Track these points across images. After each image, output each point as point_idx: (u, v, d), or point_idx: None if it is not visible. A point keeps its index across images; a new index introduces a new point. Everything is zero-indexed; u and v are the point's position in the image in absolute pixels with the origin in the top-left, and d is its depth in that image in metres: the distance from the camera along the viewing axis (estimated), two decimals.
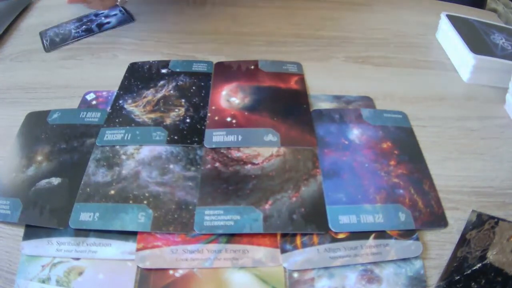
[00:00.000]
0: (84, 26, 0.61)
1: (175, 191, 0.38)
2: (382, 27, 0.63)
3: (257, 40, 0.59)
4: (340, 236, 0.36)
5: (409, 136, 0.44)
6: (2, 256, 0.35)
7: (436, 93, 0.51)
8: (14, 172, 0.40)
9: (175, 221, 0.36)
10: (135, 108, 0.46)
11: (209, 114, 0.46)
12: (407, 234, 0.36)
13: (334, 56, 0.57)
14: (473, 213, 0.38)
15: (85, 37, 0.59)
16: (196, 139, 0.43)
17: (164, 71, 0.52)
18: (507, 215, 0.37)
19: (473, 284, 0.33)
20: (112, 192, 0.38)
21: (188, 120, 0.45)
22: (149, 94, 0.48)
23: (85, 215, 0.36)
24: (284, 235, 0.36)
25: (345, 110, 0.47)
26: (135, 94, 0.48)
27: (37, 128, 0.44)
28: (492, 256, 0.34)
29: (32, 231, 0.36)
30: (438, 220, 0.37)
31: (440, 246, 0.36)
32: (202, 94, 0.49)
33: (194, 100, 0.48)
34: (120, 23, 0.62)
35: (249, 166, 0.41)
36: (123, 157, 0.41)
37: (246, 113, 0.46)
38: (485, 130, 0.46)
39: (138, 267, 0.34)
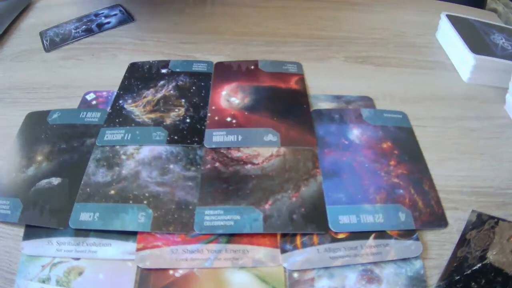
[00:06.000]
0: (84, 26, 0.61)
1: (175, 191, 0.38)
2: (382, 27, 0.63)
3: (257, 40, 0.59)
4: (340, 236, 0.36)
5: (409, 136, 0.44)
6: (2, 256, 0.35)
7: (436, 93, 0.51)
8: (14, 172, 0.40)
9: (175, 221, 0.36)
10: (135, 108, 0.46)
11: (209, 114, 0.46)
12: (407, 234, 0.36)
13: (334, 56, 0.57)
14: (473, 213, 0.38)
15: (85, 37, 0.59)
16: (196, 139, 0.43)
17: (164, 71, 0.52)
18: (507, 215, 0.37)
19: (473, 284, 0.33)
20: (112, 192, 0.38)
21: (188, 120, 0.45)
22: (149, 94, 0.48)
23: (85, 215, 0.36)
24: (284, 235, 0.36)
25: (345, 110, 0.47)
26: (135, 94, 0.48)
27: (37, 128, 0.44)
28: (492, 256, 0.34)
29: (32, 231, 0.36)
30: (438, 220, 0.37)
31: (440, 246, 0.36)
32: (202, 94, 0.49)
33: (194, 100, 0.48)
34: (120, 23, 0.62)
35: (249, 166, 0.41)
36: (123, 157, 0.41)
37: (246, 113, 0.46)
38: (485, 130, 0.46)
39: (138, 267, 0.34)
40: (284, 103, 0.47)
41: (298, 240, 0.35)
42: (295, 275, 0.34)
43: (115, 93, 0.49)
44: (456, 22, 0.57)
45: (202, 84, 0.50)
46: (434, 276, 0.34)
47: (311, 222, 0.36)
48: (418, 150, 0.43)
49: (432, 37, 0.61)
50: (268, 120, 0.45)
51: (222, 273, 0.34)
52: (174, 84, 0.50)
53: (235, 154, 0.42)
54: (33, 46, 0.57)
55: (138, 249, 0.35)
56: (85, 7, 0.65)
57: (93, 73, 0.53)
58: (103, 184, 0.39)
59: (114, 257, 0.34)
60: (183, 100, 0.48)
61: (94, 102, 0.48)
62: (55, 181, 0.39)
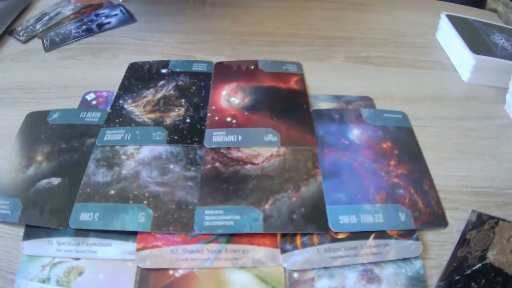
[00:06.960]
0: (84, 26, 0.61)
1: (175, 191, 0.38)
2: (382, 27, 0.63)
3: (257, 40, 0.59)
4: (340, 236, 0.36)
5: (409, 136, 0.44)
6: (2, 256, 0.35)
7: (436, 93, 0.51)
8: (14, 172, 0.40)
9: (175, 221, 0.36)
10: (135, 108, 0.46)
11: (209, 114, 0.46)
12: (407, 234, 0.36)
13: (334, 56, 0.57)
14: (473, 213, 0.38)
15: (85, 37, 0.59)
16: (196, 139, 0.43)
17: (164, 71, 0.52)
18: (507, 215, 0.37)
19: (473, 284, 0.33)
20: (112, 192, 0.38)
21: (188, 120, 0.45)
22: (149, 94, 0.48)
23: (85, 215, 0.36)
24: (284, 235, 0.36)
25: (345, 110, 0.47)
26: (135, 94, 0.48)
27: (37, 128, 0.44)
28: (492, 256, 0.34)
29: (32, 231, 0.36)
30: (438, 220, 0.37)
31: (440, 246, 0.36)
32: (202, 94, 0.49)
33: (194, 100, 0.48)
34: (120, 23, 0.62)
35: (249, 166, 0.41)
36: (123, 157, 0.41)
37: (246, 113, 0.46)
38: (485, 130, 0.46)
39: (138, 267, 0.34)
40: (284, 103, 0.47)
41: (298, 240, 0.35)
42: (295, 275, 0.34)
43: (115, 93, 0.49)
44: (456, 22, 0.57)
45: (202, 84, 0.50)
46: (434, 276, 0.34)
47: (311, 222, 0.36)
48: (418, 150, 0.43)
49: (432, 37, 0.61)
50: (268, 120, 0.45)
51: (222, 273, 0.34)
52: (174, 84, 0.50)
53: (235, 154, 0.42)
54: (33, 46, 0.57)
55: (138, 249, 0.35)
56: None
57: (93, 73, 0.53)
58: (103, 184, 0.39)
59: (114, 257, 0.34)
60: (183, 100, 0.48)
61: (94, 102, 0.48)
62: (55, 181, 0.39)
